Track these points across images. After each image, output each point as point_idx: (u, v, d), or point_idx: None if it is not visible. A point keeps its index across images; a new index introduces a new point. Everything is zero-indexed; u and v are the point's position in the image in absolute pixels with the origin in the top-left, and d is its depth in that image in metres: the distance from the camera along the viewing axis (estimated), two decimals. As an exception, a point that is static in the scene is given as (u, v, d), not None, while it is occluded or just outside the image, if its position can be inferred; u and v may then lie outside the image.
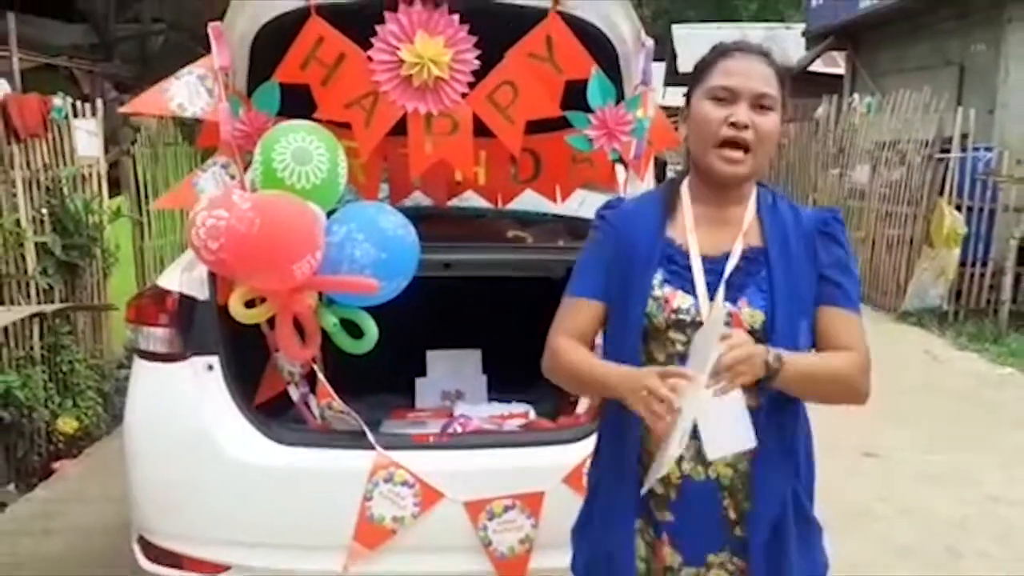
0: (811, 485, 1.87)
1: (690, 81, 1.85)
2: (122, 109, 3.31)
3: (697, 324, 1.75)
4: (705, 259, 1.79)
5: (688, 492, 1.78)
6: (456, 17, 2.72)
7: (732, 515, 1.79)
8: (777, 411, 1.75)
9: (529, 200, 3.72)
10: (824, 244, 1.81)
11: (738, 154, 1.74)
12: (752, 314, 1.75)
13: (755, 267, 1.78)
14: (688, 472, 1.77)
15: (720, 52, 1.80)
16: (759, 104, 1.74)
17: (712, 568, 1.81)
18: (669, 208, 1.86)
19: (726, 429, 1.67)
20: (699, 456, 1.75)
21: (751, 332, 1.72)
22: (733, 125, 1.72)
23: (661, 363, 1.77)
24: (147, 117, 6.57)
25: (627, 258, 1.83)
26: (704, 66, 1.81)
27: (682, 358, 1.75)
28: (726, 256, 1.78)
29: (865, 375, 1.78)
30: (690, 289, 1.78)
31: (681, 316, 1.77)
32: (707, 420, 1.67)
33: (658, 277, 1.80)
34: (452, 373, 3.76)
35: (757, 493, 1.76)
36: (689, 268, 1.79)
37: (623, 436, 1.82)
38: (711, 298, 1.76)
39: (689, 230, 1.82)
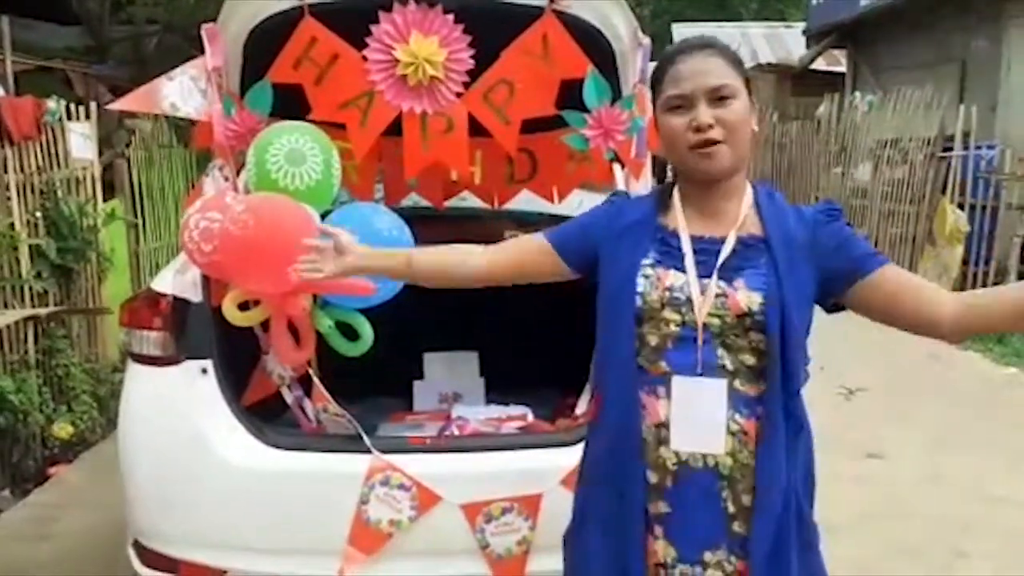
0: (811, 488, 1.84)
1: (651, 95, 1.84)
2: (113, 105, 3.28)
3: (690, 303, 1.73)
4: (697, 239, 1.78)
5: (685, 480, 1.73)
6: (451, 16, 2.69)
7: (731, 508, 1.74)
8: (781, 401, 1.71)
9: (526, 200, 3.69)
10: (827, 229, 1.78)
11: (713, 148, 1.72)
12: (749, 295, 1.71)
13: (753, 253, 1.75)
14: (686, 458, 1.73)
15: (665, 61, 1.79)
16: (717, 97, 1.71)
17: (709, 568, 1.76)
18: (663, 202, 1.86)
19: (698, 424, 1.68)
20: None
21: (747, 314, 1.70)
22: (697, 129, 1.71)
23: (653, 347, 1.76)
24: (141, 118, 6.55)
25: (617, 240, 1.83)
26: (656, 79, 1.81)
27: (676, 340, 1.73)
28: (721, 240, 1.76)
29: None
30: (682, 268, 1.76)
31: (675, 294, 1.74)
32: (681, 407, 1.69)
33: (649, 258, 1.78)
34: (449, 375, 3.74)
35: (759, 484, 1.72)
36: (680, 249, 1.77)
37: (623, 426, 1.78)
38: (704, 276, 1.74)
39: (680, 220, 1.80)
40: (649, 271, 1.77)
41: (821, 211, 1.82)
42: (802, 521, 1.77)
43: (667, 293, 1.74)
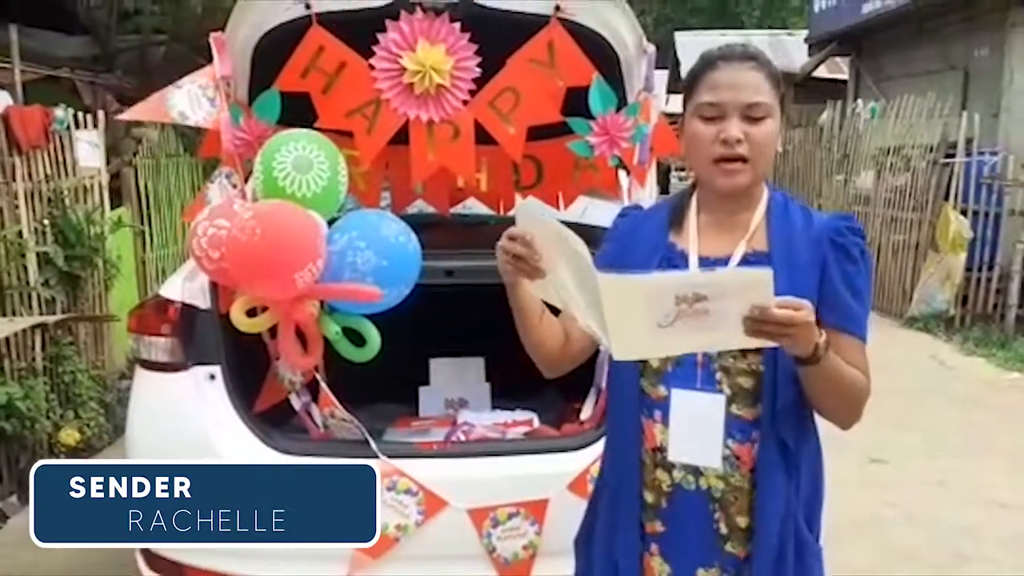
0: (815, 513, 1.80)
1: (683, 93, 1.80)
2: (122, 116, 3.31)
3: None
4: (704, 260, 1.74)
5: (679, 501, 1.75)
6: (457, 25, 2.72)
7: (723, 529, 1.74)
8: (780, 425, 1.69)
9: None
10: (835, 257, 1.72)
11: (735, 165, 1.68)
12: None
13: None
14: (679, 481, 1.74)
15: (706, 63, 1.74)
16: (750, 115, 1.67)
17: None
18: (677, 216, 1.83)
19: (695, 437, 1.69)
20: (690, 465, 1.73)
21: None
22: (725, 142, 1.67)
23: (655, 369, 1.75)
24: (148, 127, 6.58)
25: (628, 262, 1.80)
26: (692, 80, 1.76)
27: (676, 363, 1.72)
28: (726, 260, 1.73)
29: (865, 403, 1.72)
30: None
31: None
32: (679, 419, 1.70)
33: None
34: (455, 381, 3.74)
35: (759, 508, 1.70)
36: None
37: (624, 446, 1.80)
38: None
39: (692, 237, 1.78)
40: None
41: (837, 234, 1.73)
42: (802, 545, 1.74)
43: None
